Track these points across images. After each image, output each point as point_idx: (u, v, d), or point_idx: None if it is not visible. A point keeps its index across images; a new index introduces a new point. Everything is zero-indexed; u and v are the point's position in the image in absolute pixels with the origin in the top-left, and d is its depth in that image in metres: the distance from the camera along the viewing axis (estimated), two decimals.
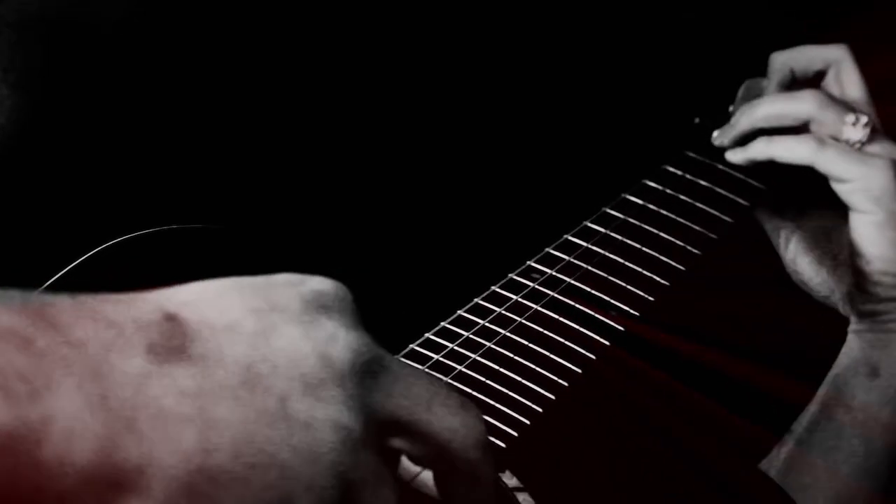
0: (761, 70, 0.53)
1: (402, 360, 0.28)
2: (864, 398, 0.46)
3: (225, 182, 0.57)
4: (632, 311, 0.44)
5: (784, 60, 0.52)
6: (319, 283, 0.28)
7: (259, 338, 0.27)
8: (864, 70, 0.50)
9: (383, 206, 0.59)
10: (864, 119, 0.47)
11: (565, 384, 0.39)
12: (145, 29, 0.54)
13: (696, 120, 0.54)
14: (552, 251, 0.49)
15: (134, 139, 0.55)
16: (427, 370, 0.46)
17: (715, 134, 0.52)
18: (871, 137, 0.47)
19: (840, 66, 0.50)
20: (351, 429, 0.24)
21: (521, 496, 0.34)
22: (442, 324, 0.45)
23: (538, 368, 0.41)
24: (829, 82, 0.51)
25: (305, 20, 0.58)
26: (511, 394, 0.39)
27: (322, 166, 0.59)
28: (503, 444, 0.36)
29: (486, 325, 0.44)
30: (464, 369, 0.41)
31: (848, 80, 0.50)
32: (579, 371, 0.39)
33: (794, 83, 0.51)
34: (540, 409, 0.38)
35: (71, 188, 0.53)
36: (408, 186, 0.60)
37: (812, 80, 0.52)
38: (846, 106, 0.49)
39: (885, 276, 0.46)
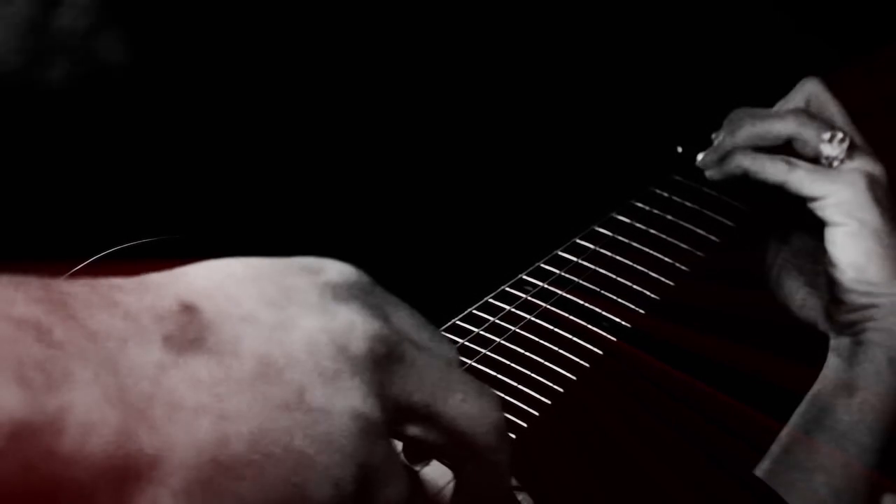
0: (747, 99, 0.55)
1: (421, 345, 0.28)
2: (840, 417, 0.47)
3: (235, 186, 0.57)
4: (622, 323, 0.45)
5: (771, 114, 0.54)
6: (338, 271, 0.29)
7: (276, 329, 0.27)
8: (860, 93, 0.53)
9: (380, 218, 0.59)
10: (839, 135, 0.50)
11: (560, 390, 0.40)
12: (143, 30, 0.54)
13: (679, 149, 0.56)
14: (543, 265, 0.50)
15: (141, 143, 0.55)
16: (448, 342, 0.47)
17: (699, 157, 0.54)
18: (850, 154, 0.49)
19: (817, 98, 0.53)
20: (369, 417, 0.24)
21: (520, 496, 0.35)
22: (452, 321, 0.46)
23: (533, 374, 0.41)
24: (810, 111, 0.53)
25: (311, 20, 0.59)
26: (507, 398, 0.40)
27: (323, 178, 0.60)
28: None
29: (481, 332, 0.45)
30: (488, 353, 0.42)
31: (825, 107, 0.52)
32: (574, 378, 0.40)
33: None
34: (537, 413, 0.38)
35: (70, 194, 0.52)
36: (403, 201, 0.60)
37: None
38: (826, 124, 0.51)
39: (857, 284, 0.48)
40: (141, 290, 0.23)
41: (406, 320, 0.29)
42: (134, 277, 0.24)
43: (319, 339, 0.28)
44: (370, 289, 0.30)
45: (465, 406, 0.27)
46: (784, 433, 0.48)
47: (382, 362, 0.27)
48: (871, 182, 0.48)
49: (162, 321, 0.22)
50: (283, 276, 0.30)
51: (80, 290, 0.21)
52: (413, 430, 0.27)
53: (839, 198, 0.47)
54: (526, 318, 0.46)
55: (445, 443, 0.28)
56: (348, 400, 0.25)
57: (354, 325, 0.27)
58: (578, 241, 0.51)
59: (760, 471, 0.47)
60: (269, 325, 0.27)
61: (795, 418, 0.49)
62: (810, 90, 0.53)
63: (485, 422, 0.27)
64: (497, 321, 0.46)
